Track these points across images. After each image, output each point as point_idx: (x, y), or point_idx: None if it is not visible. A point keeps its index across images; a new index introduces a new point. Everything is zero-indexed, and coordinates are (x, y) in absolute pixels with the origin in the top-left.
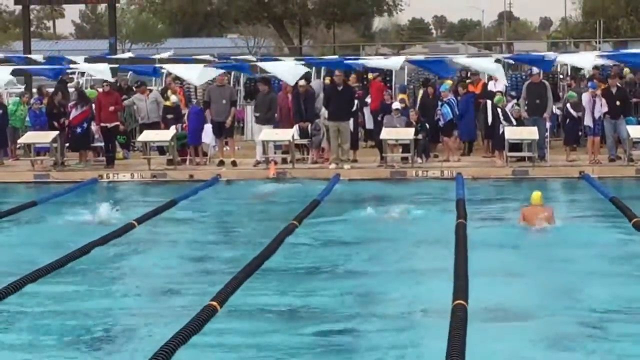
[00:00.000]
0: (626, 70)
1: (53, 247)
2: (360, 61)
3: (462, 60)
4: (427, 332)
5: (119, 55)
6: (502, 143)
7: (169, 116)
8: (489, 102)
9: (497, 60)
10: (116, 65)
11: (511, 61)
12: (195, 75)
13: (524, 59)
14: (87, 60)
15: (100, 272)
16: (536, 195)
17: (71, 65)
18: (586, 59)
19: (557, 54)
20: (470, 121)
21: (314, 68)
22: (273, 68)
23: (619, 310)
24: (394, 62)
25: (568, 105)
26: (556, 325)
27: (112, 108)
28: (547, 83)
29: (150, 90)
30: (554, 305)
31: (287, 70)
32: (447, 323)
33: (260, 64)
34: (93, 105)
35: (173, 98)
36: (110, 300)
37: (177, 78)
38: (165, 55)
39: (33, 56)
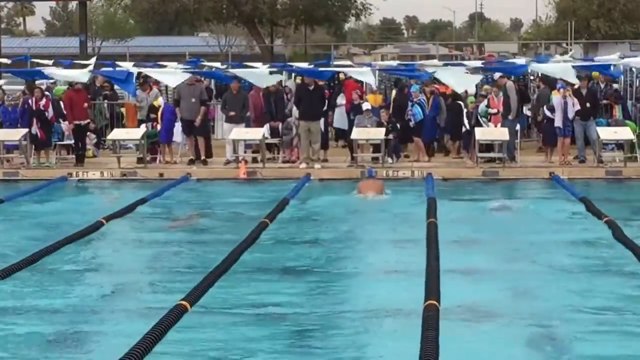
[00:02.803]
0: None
1: (20, 245)
2: (333, 69)
3: (430, 68)
4: (400, 332)
5: (86, 62)
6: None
7: (152, 116)
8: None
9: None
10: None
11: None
12: (171, 79)
13: (495, 69)
14: (54, 63)
15: (68, 270)
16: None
17: (46, 71)
18: (558, 68)
19: (529, 59)
20: (432, 123)
21: (284, 72)
22: (245, 74)
23: (590, 309)
24: (366, 72)
25: (545, 107)
26: (527, 324)
27: (86, 105)
28: (509, 84)
29: (151, 88)
30: (524, 304)
31: (259, 75)
32: (419, 322)
33: (232, 70)
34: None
35: (160, 100)
36: (79, 300)
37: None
38: (130, 65)
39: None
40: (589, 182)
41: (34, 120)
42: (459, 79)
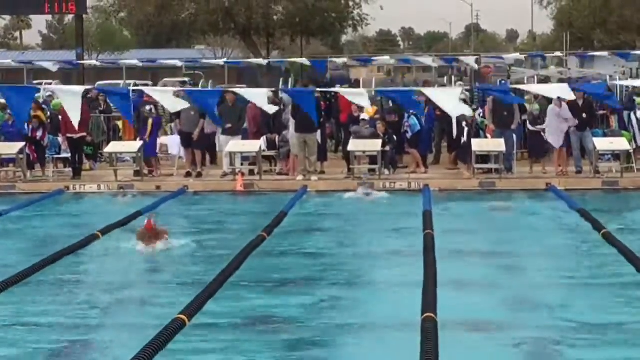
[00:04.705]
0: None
1: (16, 258)
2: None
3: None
4: (398, 344)
5: (87, 61)
6: (469, 155)
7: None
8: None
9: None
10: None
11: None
12: (170, 103)
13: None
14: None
15: (64, 284)
16: None
17: (46, 87)
18: (555, 88)
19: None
20: (428, 134)
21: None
22: (243, 92)
23: (588, 320)
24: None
25: (528, 121)
26: (525, 336)
27: None
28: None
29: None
30: (522, 315)
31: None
32: (417, 335)
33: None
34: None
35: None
36: (74, 313)
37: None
38: (133, 61)
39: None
40: (585, 192)
41: (27, 145)
42: (455, 103)
